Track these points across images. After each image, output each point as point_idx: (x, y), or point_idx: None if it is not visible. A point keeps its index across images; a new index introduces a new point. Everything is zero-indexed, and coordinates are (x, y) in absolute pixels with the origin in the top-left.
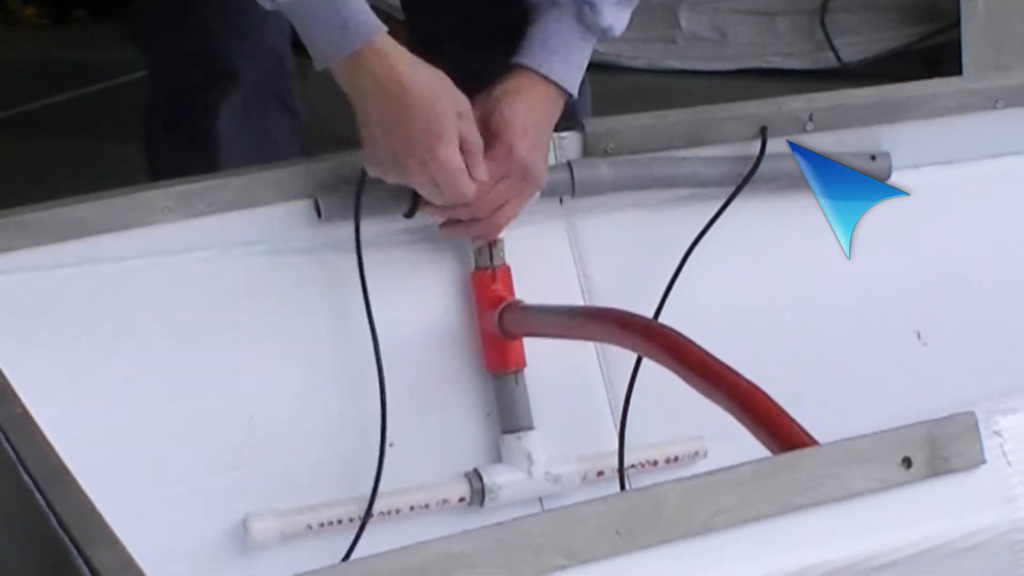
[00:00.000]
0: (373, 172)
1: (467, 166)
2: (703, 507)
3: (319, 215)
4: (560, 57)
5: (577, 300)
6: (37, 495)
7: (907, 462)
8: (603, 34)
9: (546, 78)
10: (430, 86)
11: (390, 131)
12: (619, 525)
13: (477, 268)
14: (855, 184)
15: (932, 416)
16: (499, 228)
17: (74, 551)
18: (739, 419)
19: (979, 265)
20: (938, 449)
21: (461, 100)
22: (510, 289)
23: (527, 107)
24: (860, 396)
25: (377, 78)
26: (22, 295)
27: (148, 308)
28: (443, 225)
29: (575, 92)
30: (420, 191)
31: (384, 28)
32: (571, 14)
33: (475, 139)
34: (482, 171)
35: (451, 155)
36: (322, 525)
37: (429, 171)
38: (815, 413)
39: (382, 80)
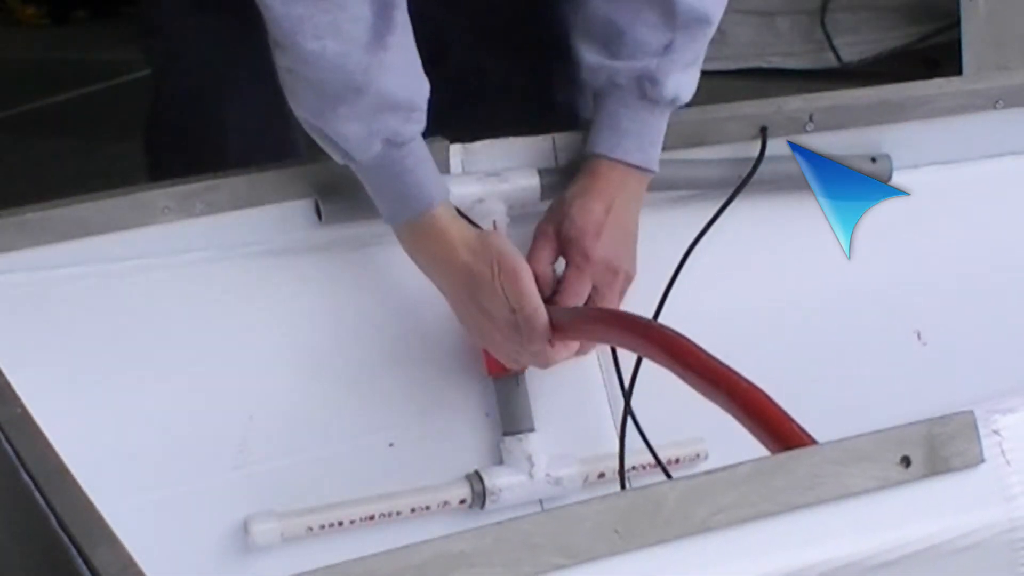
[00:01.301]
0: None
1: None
2: (702, 506)
3: (319, 217)
4: (631, 139)
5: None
6: (37, 495)
7: (906, 461)
8: (673, 103)
9: (622, 162)
10: (479, 239)
11: (456, 304)
12: (618, 524)
13: None
14: (855, 185)
15: (932, 415)
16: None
17: (74, 551)
18: (739, 420)
19: (979, 265)
20: (937, 448)
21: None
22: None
23: (598, 202)
24: (860, 396)
25: (453, 236)
26: (22, 295)
27: (148, 308)
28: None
29: (656, 166)
30: (515, 358)
31: (442, 198)
32: (633, 93)
33: (523, 304)
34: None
35: (503, 327)
36: (323, 527)
37: (500, 345)
38: (815, 413)
39: (460, 236)
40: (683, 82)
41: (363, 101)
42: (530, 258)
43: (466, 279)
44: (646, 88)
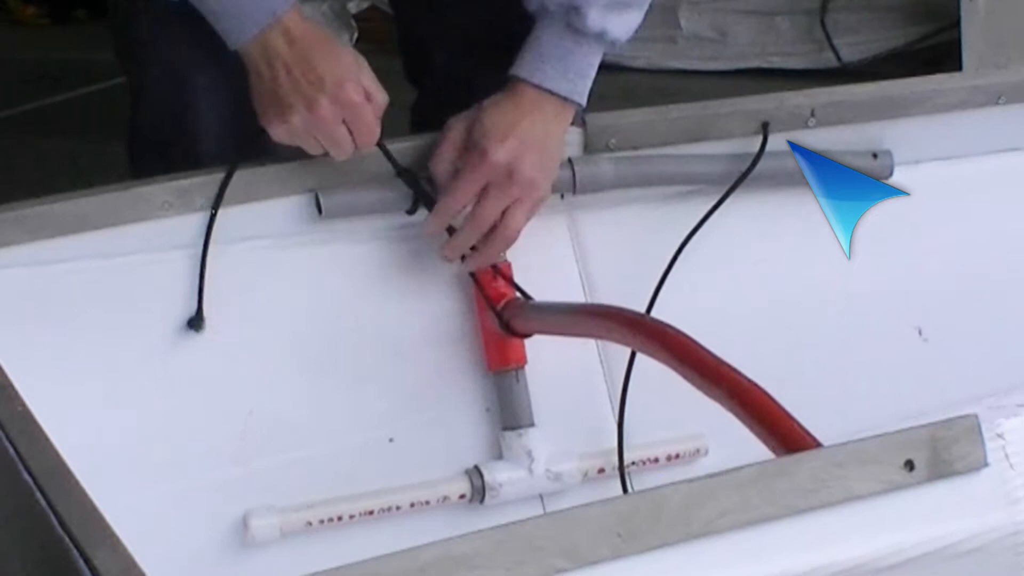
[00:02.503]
0: (278, 134)
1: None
2: (704, 509)
3: (319, 211)
4: (553, 65)
5: (578, 296)
6: (37, 494)
7: (909, 464)
8: (600, 38)
9: (538, 87)
10: (328, 37)
11: (298, 75)
12: (620, 527)
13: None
14: (856, 182)
15: (934, 413)
16: (507, 242)
17: (74, 550)
18: (739, 417)
19: (981, 261)
20: (940, 452)
21: (359, 57)
22: (511, 286)
23: (511, 113)
24: (861, 393)
25: (290, 37)
26: (22, 290)
27: (148, 303)
28: (447, 248)
29: (582, 100)
30: (330, 144)
31: (291, 3)
32: (560, 21)
33: (377, 91)
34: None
35: (357, 90)
36: (322, 522)
37: (339, 110)
38: (816, 411)
39: (293, 36)
40: (611, 19)
41: None
42: (433, 153)
43: (326, 52)
44: (572, 18)
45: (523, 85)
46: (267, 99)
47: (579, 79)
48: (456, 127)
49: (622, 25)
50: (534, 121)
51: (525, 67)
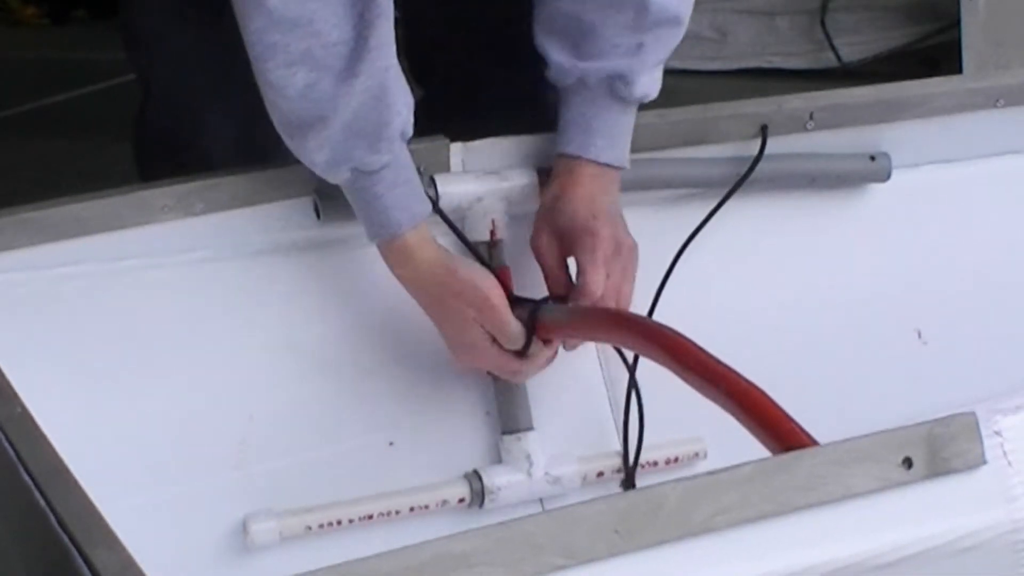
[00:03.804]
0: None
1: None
2: (703, 507)
3: (318, 215)
4: (603, 137)
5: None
6: (37, 495)
7: (907, 462)
8: (639, 101)
9: (594, 161)
10: (470, 266)
11: (440, 324)
12: (618, 525)
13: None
14: (855, 184)
15: (933, 415)
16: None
17: (74, 551)
18: (738, 419)
19: (980, 263)
20: (939, 449)
21: (476, 288)
22: (510, 290)
23: (582, 192)
24: (860, 395)
25: (419, 269)
26: (22, 294)
27: (148, 307)
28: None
29: (627, 163)
30: (501, 371)
31: (418, 218)
32: (604, 93)
33: (500, 327)
34: (515, 365)
35: (484, 346)
36: (321, 527)
37: (482, 363)
38: (815, 412)
39: (424, 273)
40: (651, 81)
41: (329, 131)
42: (543, 265)
43: (439, 309)
44: (618, 88)
45: (577, 163)
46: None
47: (623, 145)
48: (540, 235)
49: (658, 82)
50: (601, 193)
51: (574, 144)
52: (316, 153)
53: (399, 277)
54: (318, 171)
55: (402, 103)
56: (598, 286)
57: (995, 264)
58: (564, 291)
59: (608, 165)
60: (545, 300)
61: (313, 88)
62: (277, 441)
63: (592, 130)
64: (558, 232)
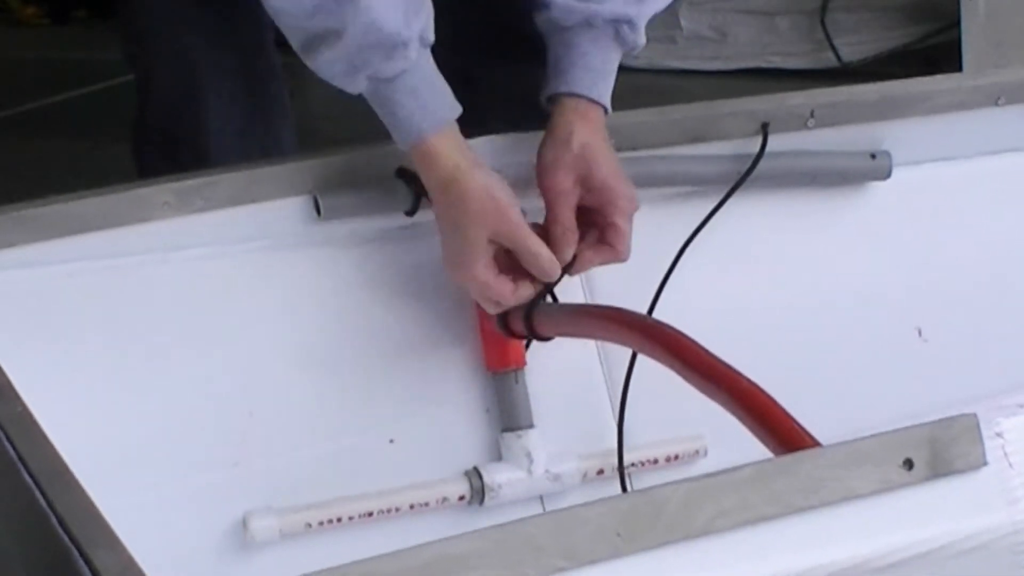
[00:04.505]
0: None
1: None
2: (704, 509)
3: (318, 213)
4: (605, 79)
5: (579, 297)
6: (38, 494)
7: (908, 464)
8: (635, 49)
9: (596, 102)
10: (487, 187)
11: (445, 237)
12: (620, 527)
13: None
14: (855, 182)
15: (934, 414)
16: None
17: (75, 551)
18: (739, 418)
19: (980, 262)
20: (940, 451)
21: (498, 203)
22: None
23: (605, 144)
24: (861, 394)
25: (427, 170)
26: (22, 291)
27: (148, 304)
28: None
29: (610, 107)
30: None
31: (443, 122)
32: (608, 35)
33: (520, 244)
34: (569, 251)
35: (485, 273)
36: (321, 524)
37: (477, 288)
38: (816, 411)
39: (444, 179)
40: (644, 32)
41: (342, 43)
42: (560, 208)
43: (451, 215)
44: (623, 32)
45: (586, 104)
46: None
47: (610, 87)
48: (564, 179)
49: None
50: (608, 140)
51: (581, 84)
52: (334, 65)
53: (425, 182)
54: (337, 83)
55: (414, 10)
56: (629, 249)
57: (996, 262)
58: (574, 245)
59: (603, 105)
60: (543, 294)
61: (321, 7)
62: (277, 438)
63: (598, 71)
64: (587, 185)
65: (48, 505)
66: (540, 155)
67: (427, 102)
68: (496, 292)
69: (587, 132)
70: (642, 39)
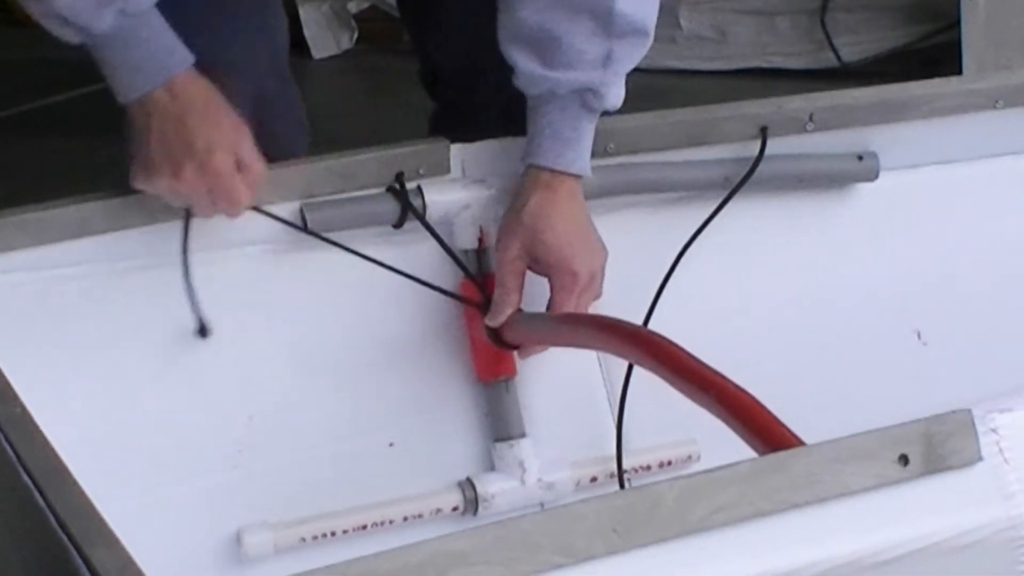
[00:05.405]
0: (140, 182)
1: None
2: (700, 505)
3: (304, 226)
4: (572, 147)
5: None
6: (36, 495)
7: (904, 459)
8: (611, 110)
9: (563, 173)
10: (215, 100)
11: (172, 137)
12: (616, 523)
13: (466, 277)
14: (843, 184)
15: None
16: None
17: (73, 551)
18: (728, 424)
19: (979, 264)
20: (935, 446)
21: (240, 125)
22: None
23: (559, 212)
24: (860, 396)
25: (173, 96)
26: (22, 295)
27: (148, 308)
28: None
29: (589, 172)
30: (192, 202)
31: (189, 60)
32: (575, 103)
33: (254, 160)
34: (247, 193)
35: (226, 160)
36: (315, 538)
37: (204, 178)
38: (815, 413)
39: (176, 96)
40: (619, 92)
41: None
42: (502, 275)
43: (201, 118)
44: (589, 100)
45: (549, 175)
46: (138, 157)
47: (587, 154)
48: (510, 251)
49: (622, 93)
50: (575, 209)
51: (545, 155)
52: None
53: (149, 119)
54: (82, 20)
55: None
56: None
57: (995, 264)
58: (512, 308)
59: (577, 176)
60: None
61: None
62: (276, 442)
63: (565, 140)
64: (532, 254)
65: (47, 504)
66: (501, 220)
67: (173, 41)
68: (237, 186)
69: (543, 203)
70: (612, 101)
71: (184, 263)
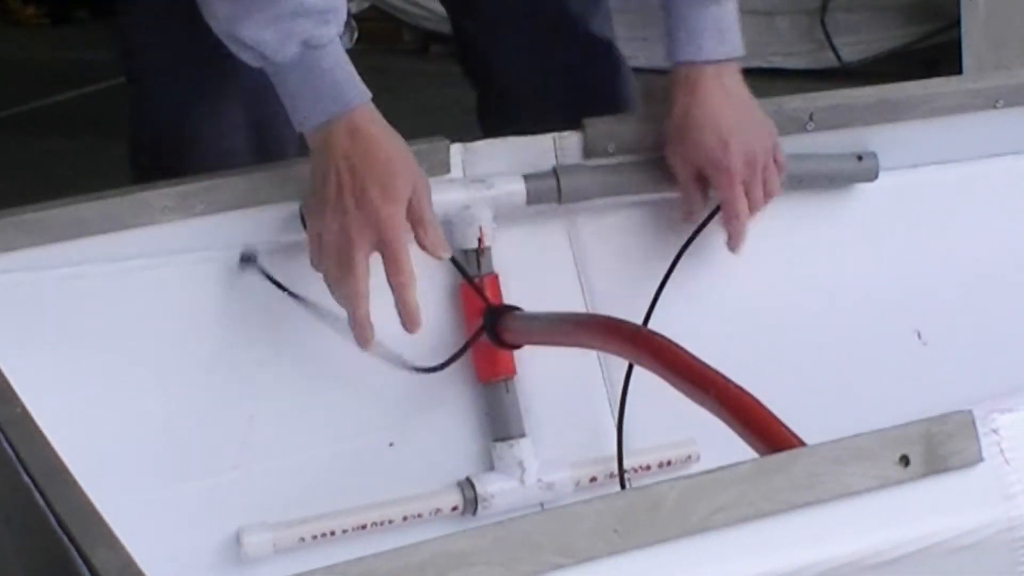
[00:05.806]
0: (307, 217)
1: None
2: (701, 505)
3: (304, 226)
4: (711, 35)
5: (578, 303)
6: (37, 495)
7: (905, 460)
8: None
9: (708, 62)
10: (401, 150)
11: (346, 179)
12: (617, 524)
13: (465, 278)
14: (842, 184)
15: (932, 416)
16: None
17: (73, 551)
18: (728, 424)
19: (980, 264)
20: (936, 447)
21: (421, 175)
22: (498, 298)
23: (710, 110)
24: (860, 396)
25: (353, 135)
26: (22, 295)
27: (148, 308)
28: (736, 240)
29: (742, 50)
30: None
31: (368, 96)
32: None
33: (427, 214)
34: (430, 241)
35: (398, 214)
36: (315, 537)
37: (374, 227)
38: (815, 413)
39: (358, 136)
40: None
41: (277, 7)
42: (686, 189)
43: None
44: None
45: (691, 69)
46: (313, 197)
47: (734, 31)
48: (676, 164)
49: None
50: (723, 99)
51: (682, 50)
52: (263, 31)
53: (332, 155)
54: (265, 49)
55: None
56: (742, 210)
57: (995, 265)
58: (697, 211)
59: (722, 61)
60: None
61: None
62: (276, 442)
63: (698, 31)
64: (688, 159)
65: (47, 504)
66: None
67: (352, 74)
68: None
69: (686, 101)
70: None
71: None
